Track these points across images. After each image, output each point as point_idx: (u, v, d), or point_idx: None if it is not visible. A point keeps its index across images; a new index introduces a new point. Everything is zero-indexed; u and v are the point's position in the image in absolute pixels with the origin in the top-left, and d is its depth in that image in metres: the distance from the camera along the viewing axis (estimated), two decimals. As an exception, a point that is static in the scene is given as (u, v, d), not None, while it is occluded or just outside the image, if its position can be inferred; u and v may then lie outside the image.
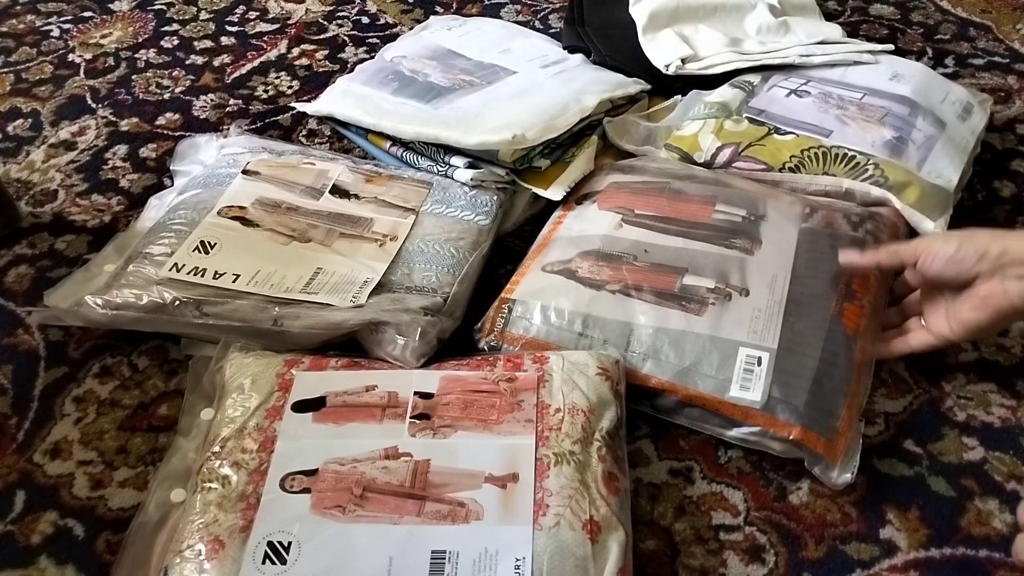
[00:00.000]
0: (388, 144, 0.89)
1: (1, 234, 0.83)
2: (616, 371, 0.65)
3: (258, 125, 0.98)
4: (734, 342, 0.66)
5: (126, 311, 0.69)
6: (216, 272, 0.71)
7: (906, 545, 0.61)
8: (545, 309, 0.70)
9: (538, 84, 0.94)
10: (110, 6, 1.21)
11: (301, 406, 0.62)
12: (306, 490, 0.57)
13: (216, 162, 0.86)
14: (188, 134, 0.95)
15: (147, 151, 0.94)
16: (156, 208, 0.83)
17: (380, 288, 0.72)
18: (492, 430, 0.60)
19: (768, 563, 0.60)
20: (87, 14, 1.19)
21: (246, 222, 0.77)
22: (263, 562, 0.53)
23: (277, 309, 0.69)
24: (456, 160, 0.84)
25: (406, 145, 0.87)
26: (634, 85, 0.96)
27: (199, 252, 0.73)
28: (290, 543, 0.54)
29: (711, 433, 0.66)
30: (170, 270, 0.71)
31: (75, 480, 0.64)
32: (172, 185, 0.88)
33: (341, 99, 0.93)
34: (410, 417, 0.61)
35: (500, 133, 0.81)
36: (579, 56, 1.01)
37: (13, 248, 0.82)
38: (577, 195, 0.83)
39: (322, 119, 0.97)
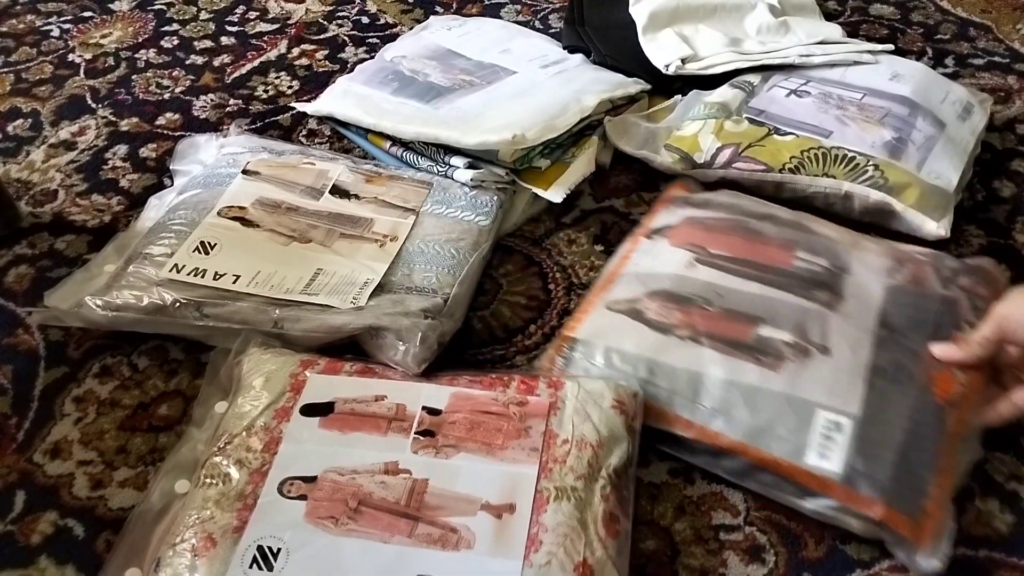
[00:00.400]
0: (388, 144, 0.89)
1: (1, 234, 0.83)
2: (633, 405, 0.62)
3: (258, 125, 0.98)
4: (812, 403, 0.60)
5: (126, 312, 0.69)
6: (216, 273, 0.71)
7: (906, 545, 0.60)
8: (608, 352, 0.65)
9: (538, 84, 0.94)
10: (110, 6, 1.20)
11: (309, 410, 0.61)
12: (303, 497, 0.56)
13: (216, 162, 0.86)
14: (188, 134, 0.95)
15: (147, 151, 0.94)
16: (156, 208, 0.83)
17: (380, 289, 0.72)
18: (495, 455, 0.59)
19: (768, 563, 0.60)
20: (87, 14, 1.18)
21: (246, 222, 0.77)
22: (251, 566, 0.53)
23: (277, 311, 0.69)
24: (456, 160, 0.84)
25: (406, 145, 0.87)
26: (634, 85, 0.96)
27: (199, 253, 0.73)
28: (279, 550, 0.53)
29: (784, 503, 0.61)
30: (170, 271, 0.71)
31: (75, 480, 0.64)
32: (172, 185, 0.88)
33: (341, 99, 0.93)
34: (415, 432, 0.60)
35: (500, 133, 0.81)
36: (579, 56, 1.01)
37: (13, 248, 0.82)
38: (647, 228, 0.77)
39: (322, 119, 0.97)
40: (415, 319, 0.68)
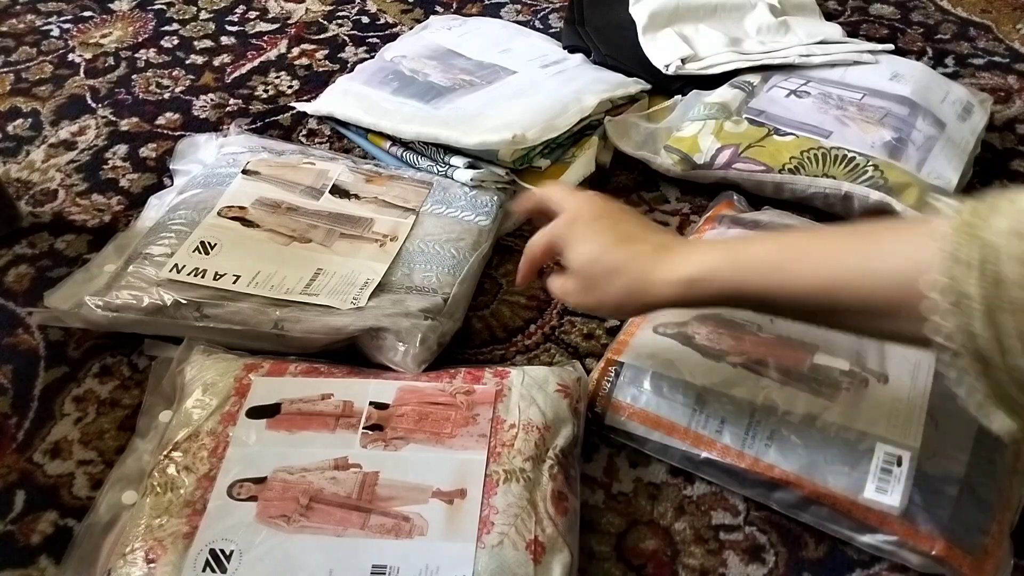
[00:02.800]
0: (388, 144, 0.89)
1: (1, 234, 0.83)
2: (577, 388, 0.64)
3: (258, 125, 0.98)
4: (871, 436, 0.59)
5: (126, 312, 0.69)
6: (216, 273, 0.71)
7: (906, 546, 0.60)
8: (657, 378, 0.64)
9: (538, 84, 0.94)
10: (110, 6, 1.20)
11: (255, 412, 0.61)
12: (253, 498, 0.56)
13: (216, 161, 0.86)
14: (188, 134, 0.95)
15: (147, 151, 0.94)
16: (156, 208, 0.83)
17: (380, 289, 0.72)
18: (444, 444, 0.59)
19: (768, 563, 0.60)
20: (87, 14, 1.18)
21: (246, 222, 0.77)
22: (204, 569, 0.52)
23: (278, 312, 0.69)
24: (456, 160, 0.84)
25: (406, 145, 0.87)
26: (634, 85, 0.96)
27: (199, 253, 0.73)
28: (232, 551, 0.53)
29: (840, 537, 0.59)
30: (170, 271, 0.71)
31: (75, 480, 0.64)
32: (172, 185, 0.88)
33: (341, 99, 0.93)
34: (363, 428, 0.60)
35: (500, 133, 0.81)
36: (579, 56, 1.01)
37: (13, 248, 0.82)
38: None
39: (322, 119, 0.97)
40: (415, 320, 0.68)
